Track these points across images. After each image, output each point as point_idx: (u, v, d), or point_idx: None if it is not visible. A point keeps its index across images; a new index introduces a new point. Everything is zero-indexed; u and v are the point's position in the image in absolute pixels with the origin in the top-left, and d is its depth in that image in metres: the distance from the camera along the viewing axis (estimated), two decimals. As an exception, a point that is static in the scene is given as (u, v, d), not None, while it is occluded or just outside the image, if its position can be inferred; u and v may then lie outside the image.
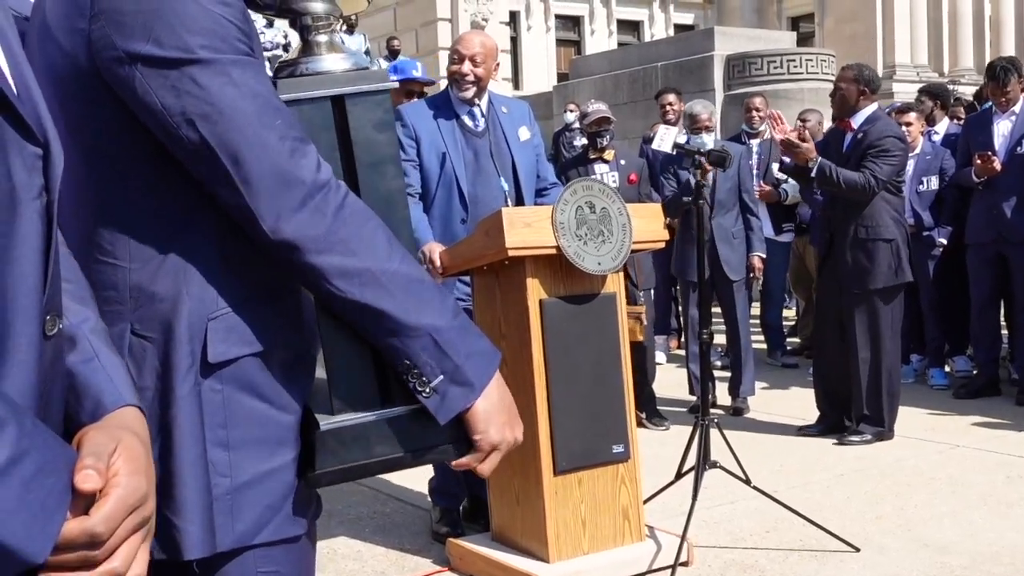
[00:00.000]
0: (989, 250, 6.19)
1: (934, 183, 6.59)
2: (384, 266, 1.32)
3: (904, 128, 6.40)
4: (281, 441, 1.37)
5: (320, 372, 1.50)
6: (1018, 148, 5.98)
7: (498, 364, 1.39)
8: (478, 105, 4.03)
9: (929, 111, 7.18)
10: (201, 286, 1.32)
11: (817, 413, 5.65)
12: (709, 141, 5.97)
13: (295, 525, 1.38)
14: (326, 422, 1.39)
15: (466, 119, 4.01)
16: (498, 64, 4.19)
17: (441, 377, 1.33)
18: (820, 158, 5.21)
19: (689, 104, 6.49)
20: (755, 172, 6.93)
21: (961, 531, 4.00)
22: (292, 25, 1.53)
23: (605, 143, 6.08)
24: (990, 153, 5.93)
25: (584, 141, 12.24)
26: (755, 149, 7.34)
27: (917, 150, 6.64)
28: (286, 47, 12.64)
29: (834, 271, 5.40)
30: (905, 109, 6.83)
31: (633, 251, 3.67)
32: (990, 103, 6.39)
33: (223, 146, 1.26)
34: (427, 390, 1.34)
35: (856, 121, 5.35)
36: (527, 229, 3.45)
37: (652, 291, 6.17)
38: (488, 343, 1.40)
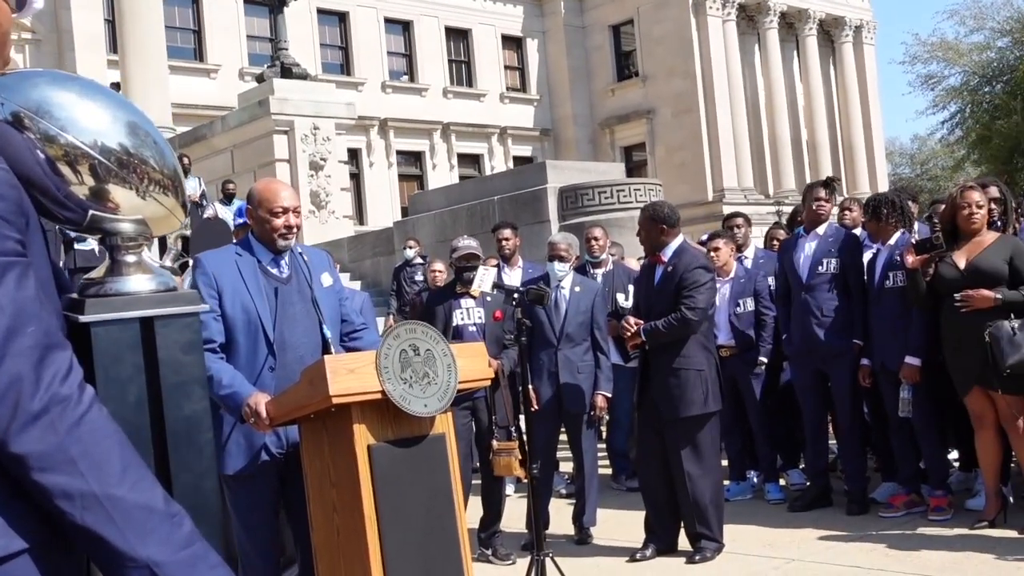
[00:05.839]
0: (808, 364, 6.49)
1: (750, 304, 6.91)
2: (110, 491, 1.29)
3: (712, 254, 6.75)
4: None
5: None
6: (819, 267, 6.33)
7: None
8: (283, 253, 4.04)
9: (742, 237, 7.57)
10: None
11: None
12: (563, 269, 6.22)
13: None
14: None
15: (270, 267, 3.95)
16: None
17: None
18: (643, 325, 5.49)
19: (553, 234, 6.82)
20: None
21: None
22: (101, 243, 1.54)
23: (472, 277, 6.13)
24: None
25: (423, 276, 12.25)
26: (599, 279, 7.47)
27: (731, 274, 6.99)
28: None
29: (650, 398, 5.59)
30: (714, 236, 7.20)
31: (459, 391, 3.73)
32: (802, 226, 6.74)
33: None
34: None
35: (666, 254, 5.64)
36: (351, 376, 3.47)
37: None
38: (222, 574, 1.37)
